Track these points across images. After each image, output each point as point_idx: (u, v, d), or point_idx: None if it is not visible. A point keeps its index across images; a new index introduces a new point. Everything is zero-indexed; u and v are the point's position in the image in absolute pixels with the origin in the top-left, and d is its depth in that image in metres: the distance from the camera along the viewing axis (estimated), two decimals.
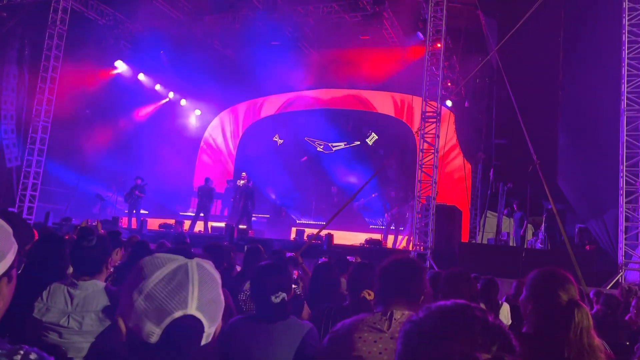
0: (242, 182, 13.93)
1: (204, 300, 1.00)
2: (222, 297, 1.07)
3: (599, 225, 9.35)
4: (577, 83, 9.46)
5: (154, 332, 0.98)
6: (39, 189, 13.02)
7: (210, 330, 1.02)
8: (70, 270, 2.54)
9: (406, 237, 12.63)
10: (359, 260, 5.05)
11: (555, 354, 1.80)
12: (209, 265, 1.07)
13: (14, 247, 1.11)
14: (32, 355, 0.93)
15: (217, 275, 1.07)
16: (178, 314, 0.98)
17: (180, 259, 1.05)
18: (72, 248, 2.49)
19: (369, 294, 2.71)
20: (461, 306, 0.79)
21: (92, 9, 14.31)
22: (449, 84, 13.36)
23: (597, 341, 1.83)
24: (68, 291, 2.31)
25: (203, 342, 1.01)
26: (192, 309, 0.98)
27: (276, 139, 17.87)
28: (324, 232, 10.64)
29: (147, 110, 17.73)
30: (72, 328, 2.24)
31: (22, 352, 0.93)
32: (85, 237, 2.43)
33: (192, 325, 0.99)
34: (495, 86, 12.23)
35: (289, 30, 13.87)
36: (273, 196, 15.98)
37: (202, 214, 13.51)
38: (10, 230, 1.11)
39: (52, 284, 2.34)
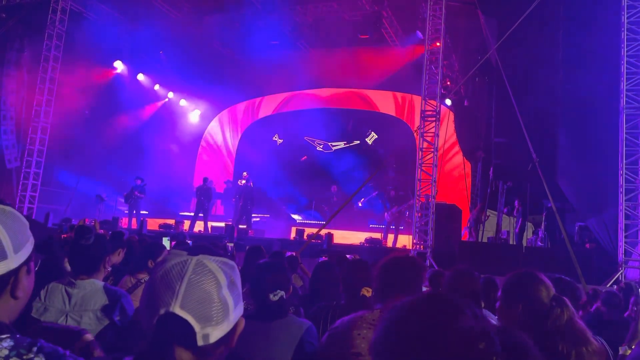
0: (242, 181, 13.94)
1: (191, 298, 0.98)
2: (225, 298, 1.02)
3: (599, 224, 9.35)
4: (577, 81, 9.45)
5: (149, 326, 0.99)
6: (39, 190, 13.02)
7: (206, 330, 0.99)
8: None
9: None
10: (357, 258, 5.05)
11: (551, 347, 1.86)
12: (214, 264, 1.04)
13: (31, 240, 1.15)
14: (47, 349, 1.04)
15: (221, 275, 1.03)
16: (162, 311, 0.97)
17: (184, 256, 1.04)
18: (69, 247, 2.48)
19: (368, 291, 2.71)
20: (433, 295, 0.79)
21: (91, 10, 14.30)
22: (448, 83, 13.35)
23: (582, 326, 1.95)
24: (66, 290, 2.31)
25: (201, 343, 0.98)
26: (175, 307, 0.96)
27: (276, 139, 17.84)
28: (324, 232, 10.64)
29: (146, 110, 17.73)
30: None
31: (38, 345, 1.04)
32: (83, 236, 2.43)
33: (176, 324, 0.97)
34: (495, 85, 12.22)
35: (288, 29, 13.87)
36: (273, 196, 15.98)
37: (201, 214, 13.52)
38: (26, 222, 1.15)
39: (50, 284, 2.34)
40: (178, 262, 1.02)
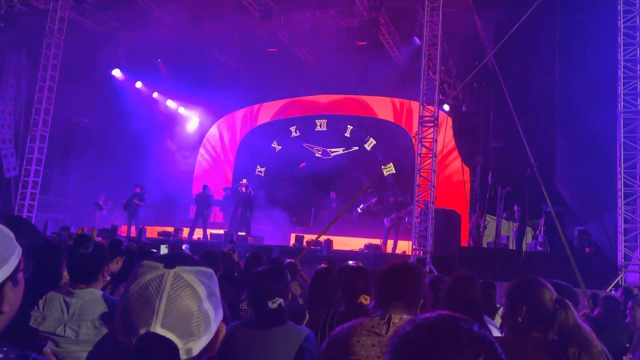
0: (242, 189, 13.92)
1: (172, 316, 0.93)
2: (207, 310, 0.98)
3: (598, 228, 9.35)
4: (574, 85, 9.48)
5: (128, 343, 0.95)
6: (38, 199, 13.00)
7: (189, 345, 0.95)
8: (66, 279, 2.52)
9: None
10: (360, 264, 5.04)
11: (562, 351, 1.90)
12: (192, 276, 0.99)
13: (18, 251, 1.11)
14: None
15: (200, 287, 0.99)
16: (142, 331, 0.93)
17: (160, 269, 0.98)
18: (68, 256, 2.47)
19: (365, 299, 2.70)
20: (446, 317, 0.81)
21: (89, 18, 14.33)
22: (446, 89, 13.38)
23: (588, 328, 1.98)
24: (64, 300, 2.30)
25: (184, 357, 0.94)
26: (156, 327, 0.92)
27: (274, 146, 17.82)
28: (323, 238, 10.62)
29: (145, 118, 17.72)
30: (68, 337, 2.23)
31: (31, 358, 0.98)
32: (82, 244, 2.42)
33: (158, 343, 0.92)
34: (493, 90, 12.25)
35: (286, 36, 13.92)
36: (272, 202, 15.95)
37: (200, 221, 13.50)
38: (11, 234, 1.10)
39: (48, 293, 2.33)
40: (154, 276, 0.97)
